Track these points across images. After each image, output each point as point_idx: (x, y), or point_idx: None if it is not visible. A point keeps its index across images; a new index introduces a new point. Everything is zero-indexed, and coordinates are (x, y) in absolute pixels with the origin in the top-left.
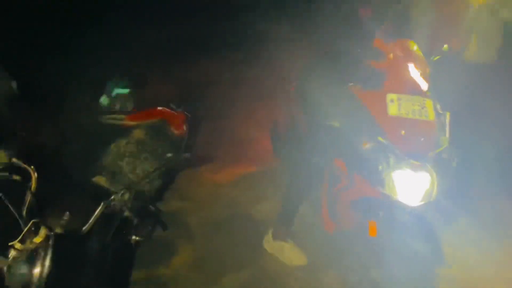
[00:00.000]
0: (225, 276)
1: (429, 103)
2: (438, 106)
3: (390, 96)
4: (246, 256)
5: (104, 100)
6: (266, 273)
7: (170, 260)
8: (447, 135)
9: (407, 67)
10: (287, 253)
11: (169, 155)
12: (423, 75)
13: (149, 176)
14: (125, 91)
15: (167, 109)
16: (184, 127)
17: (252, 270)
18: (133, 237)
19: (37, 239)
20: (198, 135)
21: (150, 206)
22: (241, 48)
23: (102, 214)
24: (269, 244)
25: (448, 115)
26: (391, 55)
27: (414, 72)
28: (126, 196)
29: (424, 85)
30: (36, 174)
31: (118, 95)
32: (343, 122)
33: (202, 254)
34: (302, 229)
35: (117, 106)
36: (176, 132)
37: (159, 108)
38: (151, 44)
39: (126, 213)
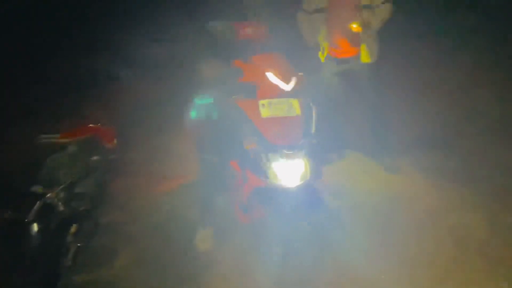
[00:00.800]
0: (165, 273)
1: (295, 101)
2: (310, 103)
3: (261, 102)
4: (183, 254)
5: (192, 112)
6: (201, 266)
7: (112, 262)
8: (314, 125)
9: (268, 77)
10: (212, 245)
11: (96, 157)
12: (286, 79)
13: (81, 178)
14: (208, 101)
15: (98, 125)
16: (115, 140)
17: (189, 265)
18: (73, 242)
19: None
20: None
21: (88, 213)
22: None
23: (41, 208)
24: (199, 240)
25: (315, 109)
26: (253, 70)
27: (275, 80)
28: (61, 194)
29: (287, 88)
30: None
31: (201, 105)
32: (231, 129)
33: (142, 255)
34: (227, 224)
35: (202, 114)
36: (107, 144)
37: (91, 125)
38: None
39: (61, 208)
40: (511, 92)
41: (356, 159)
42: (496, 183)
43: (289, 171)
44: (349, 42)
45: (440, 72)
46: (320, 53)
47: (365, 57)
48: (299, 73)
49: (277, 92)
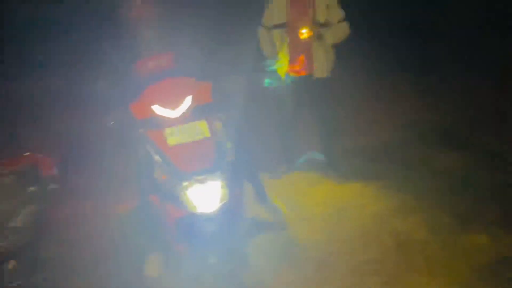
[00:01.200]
0: None
1: (202, 123)
2: (220, 124)
3: (167, 130)
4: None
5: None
6: None
7: None
8: (229, 143)
9: (154, 110)
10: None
11: (33, 188)
12: (175, 105)
13: (18, 211)
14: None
15: (36, 154)
16: (54, 169)
17: None
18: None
19: None
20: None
21: (27, 248)
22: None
23: None
24: (148, 267)
25: (229, 124)
26: (141, 106)
27: (161, 110)
28: None
29: (175, 114)
30: None
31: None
32: (144, 162)
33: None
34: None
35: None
36: (45, 174)
37: (27, 154)
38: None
39: None
40: (445, 100)
41: (304, 172)
42: (432, 187)
43: (204, 196)
44: (307, 59)
45: (378, 82)
46: (279, 69)
47: (318, 72)
48: (206, 84)
49: (181, 118)
